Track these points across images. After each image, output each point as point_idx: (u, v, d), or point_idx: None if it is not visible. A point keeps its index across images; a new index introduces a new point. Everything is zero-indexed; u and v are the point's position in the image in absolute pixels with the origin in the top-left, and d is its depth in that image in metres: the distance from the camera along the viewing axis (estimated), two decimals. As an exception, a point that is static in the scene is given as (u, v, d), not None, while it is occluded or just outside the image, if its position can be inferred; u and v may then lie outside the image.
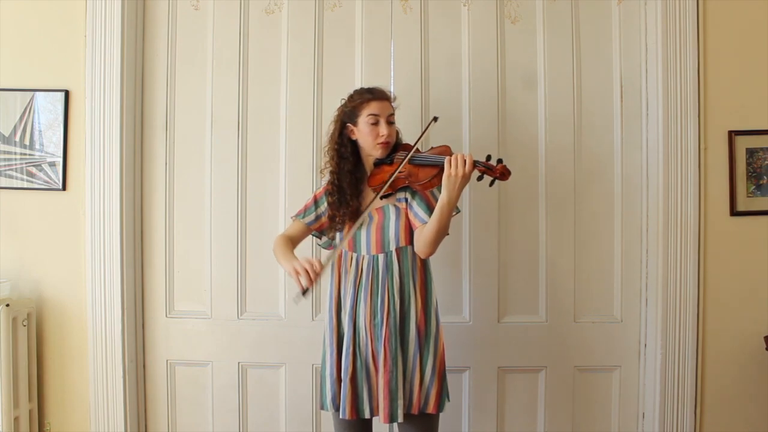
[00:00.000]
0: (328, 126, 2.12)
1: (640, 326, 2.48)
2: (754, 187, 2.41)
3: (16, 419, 2.37)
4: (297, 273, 1.88)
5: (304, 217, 2.11)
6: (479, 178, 1.92)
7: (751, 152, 2.41)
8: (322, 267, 1.89)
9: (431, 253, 1.96)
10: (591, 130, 2.49)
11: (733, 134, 2.40)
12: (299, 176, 2.50)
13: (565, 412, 2.49)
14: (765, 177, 2.41)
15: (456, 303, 2.47)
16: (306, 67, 2.50)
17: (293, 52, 2.50)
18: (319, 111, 2.50)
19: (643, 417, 2.48)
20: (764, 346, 2.35)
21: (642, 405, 2.48)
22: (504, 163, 1.88)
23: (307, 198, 2.14)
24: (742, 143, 2.40)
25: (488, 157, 1.92)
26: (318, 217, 2.10)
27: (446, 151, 1.98)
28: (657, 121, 2.41)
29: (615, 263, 2.50)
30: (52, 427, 2.51)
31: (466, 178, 1.84)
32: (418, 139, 2.00)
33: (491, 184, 1.93)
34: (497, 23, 2.49)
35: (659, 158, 2.40)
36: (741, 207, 2.41)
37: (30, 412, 2.44)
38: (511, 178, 1.88)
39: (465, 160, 1.83)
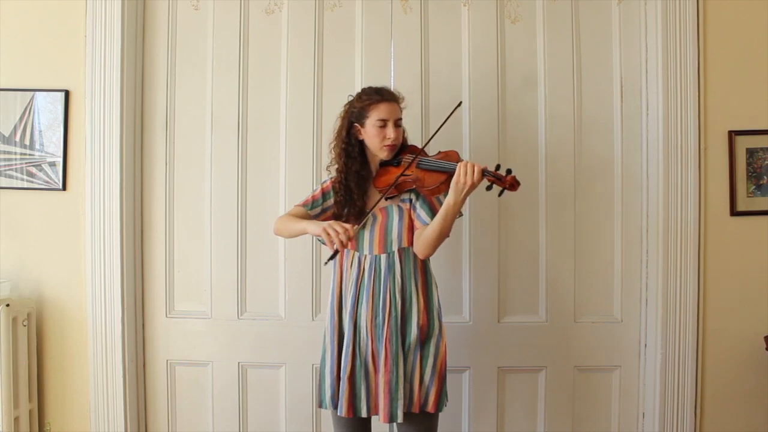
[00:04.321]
0: (335, 121, 2.10)
1: (640, 326, 2.48)
2: (754, 187, 2.41)
3: (16, 419, 2.37)
4: (329, 235, 1.85)
5: (311, 209, 2.08)
6: (488, 188, 1.90)
7: (751, 152, 2.41)
8: (354, 232, 1.88)
9: (430, 254, 1.96)
10: (591, 130, 2.49)
11: (733, 134, 2.40)
12: (299, 176, 2.50)
13: (565, 412, 2.49)
14: (765, 177, 2.41)
15: (456, 303, 2.47)
16: (306, 67, 2.50)
17: (293, 52, 2.50)
18: (319, 111, 2.50)
19: (643, 417, 2.48)
20: (764, 346, 2.35)
21: (642, 405, 2.48)
22: (513, 173, 1.87)
23: (315, 189, 2.12)
24: (742, 143, 2.40)
25: (497, 167, 1.91)
26: (323, 211, 2.08)
27: (454, 156, 1.97)
28: (657, 121, 2.41)
29: (615, 263, 2.49)
30: (52, 427, 2.51)
31: (474, 187, 1.84)
32: (436, 131, 1.98)
33: (500, 194, 1.93)
34: (497, 23, 2.49)
35: (659, 158, 2.40)
36: (741, 207, 2.41)
37: (30, 412, 2.44)
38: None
39: (474, 169, 1.83)
